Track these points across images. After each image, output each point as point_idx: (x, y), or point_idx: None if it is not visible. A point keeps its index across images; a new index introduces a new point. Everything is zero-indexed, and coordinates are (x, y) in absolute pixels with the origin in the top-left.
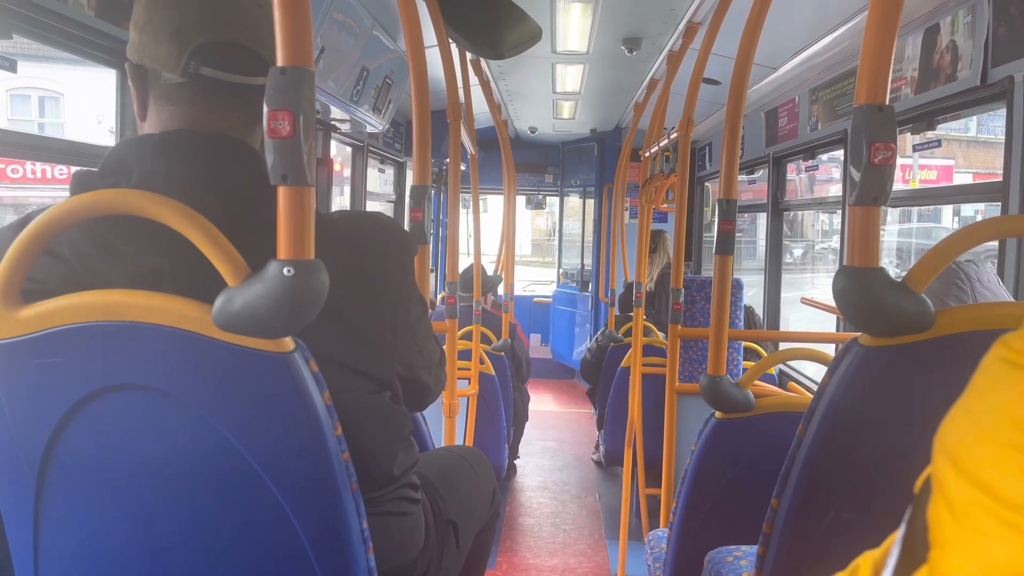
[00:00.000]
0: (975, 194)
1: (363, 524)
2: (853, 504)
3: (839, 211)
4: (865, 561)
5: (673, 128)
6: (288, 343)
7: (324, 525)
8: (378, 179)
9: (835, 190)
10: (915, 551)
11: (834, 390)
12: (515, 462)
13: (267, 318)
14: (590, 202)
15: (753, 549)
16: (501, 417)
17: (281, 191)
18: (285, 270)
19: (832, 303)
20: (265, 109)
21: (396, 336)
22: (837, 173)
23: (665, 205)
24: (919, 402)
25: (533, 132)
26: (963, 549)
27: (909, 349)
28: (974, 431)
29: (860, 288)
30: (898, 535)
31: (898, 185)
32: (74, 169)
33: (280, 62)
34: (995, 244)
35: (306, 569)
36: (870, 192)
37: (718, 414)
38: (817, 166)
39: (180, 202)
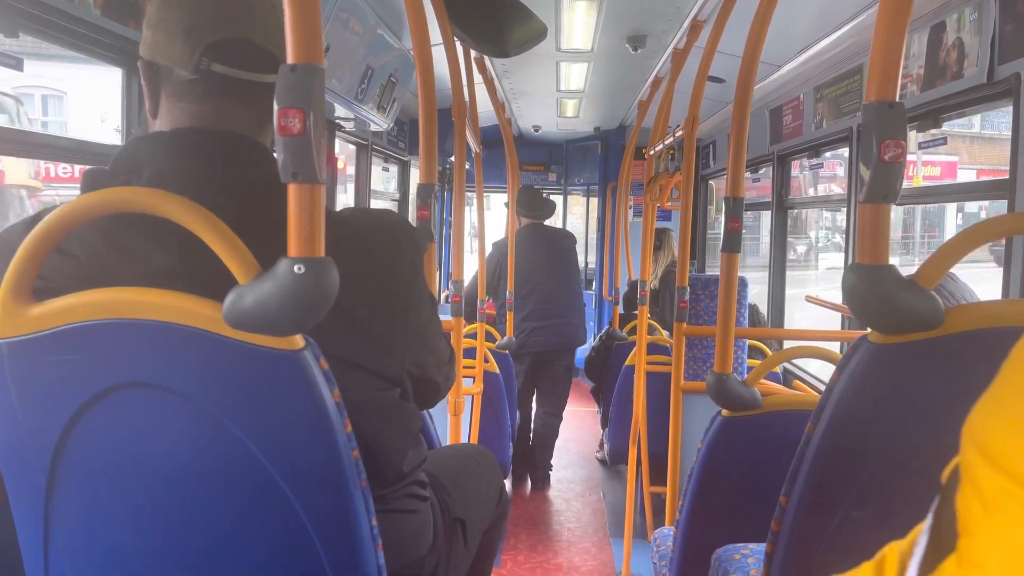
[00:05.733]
0: (982, 192)
1: (372, 521)
2: (863, 502)
3: (843, 209)
4: (892, 551)
5: (678, 126)
6: (298, 341)
7: (334, 522)
8: (381, 177)
9: (836, 187)
10: (943, 540)
11: (843, 388)
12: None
13: (277, 316)
14: (594, 200)
15: (761, 547)
16: (505, 415)
17: (291, 189)
18: (295, 268)
19: (836, 300)
20: (276, 107)
21: (407, 334)
22: (840, 171)
23: (669, 203)
24: (929, 400)
25: (537, 130)
26: (993, 538)
27: (919, 347)
28: (1004, 421)
29: (870, 286)
30: (925, 525)
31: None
32: (84, 167)
33: (290, 60)
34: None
35: (316, 566)
36: (880, 190)
37: (725, 412)
38: (822, 164)
39: (191, 200)
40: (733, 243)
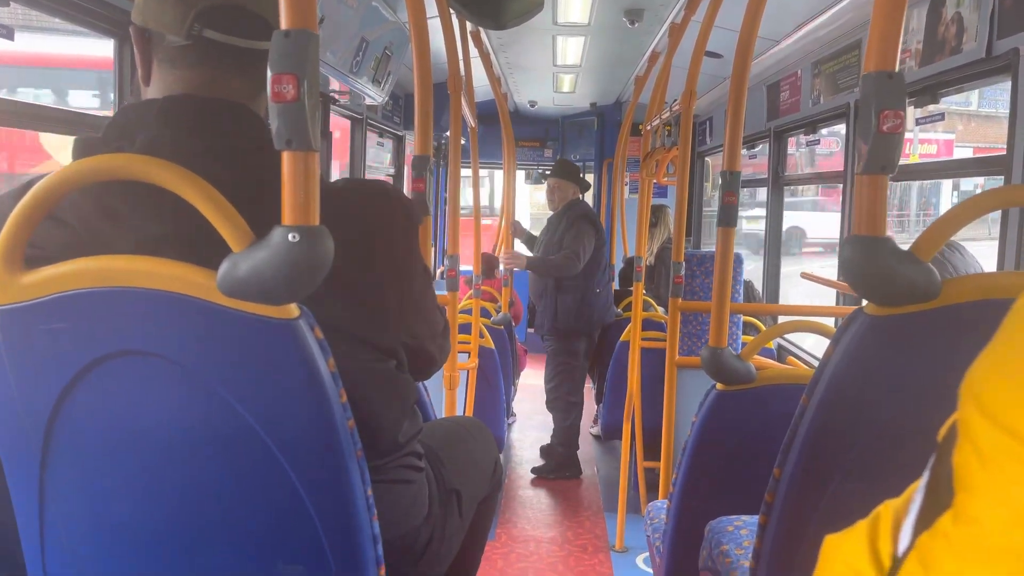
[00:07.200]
0: (978, 168)
1: (368, 491)
2: (856, 474)
3: (840, 185)
4: (886, 509)
5: (675, 101)
6: (293, 310)
7: (329, 492)
8: (376, 153)
9: (832, 164)
10: (939, 497)
11: (838, 359)
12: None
13: (272, 284)
14: (589, 176)
15: (754, 519)
16: (500, 390)
17: (285, 156)
18: (290, 236)
19: (831, 277)
20: (269, 73)
21: (402, 306)
22: (836, 147)
23: (666, 179)
24: (924, 371)
25: (533, 106)
26: (990, 493)
27: (914, 318)
28: (1003, 377)
29: (867, 257)
30: (921, 482)
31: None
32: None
33: (284, 25)
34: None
35: (311, 536)
36: (878, 161)
37: (719, 386)
38: (819, 140)
39: (184, 167)
40: (729, 217)
